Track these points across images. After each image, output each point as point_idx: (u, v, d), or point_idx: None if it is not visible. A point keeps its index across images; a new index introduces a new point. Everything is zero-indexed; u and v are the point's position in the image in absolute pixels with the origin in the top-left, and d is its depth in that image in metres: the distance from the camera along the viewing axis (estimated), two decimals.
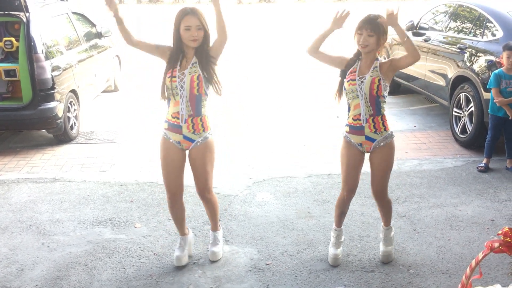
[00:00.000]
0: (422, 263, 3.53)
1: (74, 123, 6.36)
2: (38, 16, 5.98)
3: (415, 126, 6.66)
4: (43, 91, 5.70)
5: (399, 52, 7.73)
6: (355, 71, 3.27)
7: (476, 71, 5.59)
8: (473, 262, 1.73)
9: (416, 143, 6.02)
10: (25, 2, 5.70)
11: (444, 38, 6.56)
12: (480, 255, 1.70)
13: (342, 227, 3.59)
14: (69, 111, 6.19)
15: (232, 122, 7.04)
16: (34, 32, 5.71)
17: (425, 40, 6.89)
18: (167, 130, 3.28)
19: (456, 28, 6.56)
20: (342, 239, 3.61)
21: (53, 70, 5.81)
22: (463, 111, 5.80)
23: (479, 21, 6.03)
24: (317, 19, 19.98)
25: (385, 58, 3.31)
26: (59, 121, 5.86)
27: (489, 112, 5.16)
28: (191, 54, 3.21)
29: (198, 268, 3.51)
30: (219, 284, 3.32)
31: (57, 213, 4.34)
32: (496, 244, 1.70)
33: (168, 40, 3.32)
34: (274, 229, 4.04)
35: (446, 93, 6.24)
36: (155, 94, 4.28)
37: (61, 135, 6.10)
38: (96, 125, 6.87)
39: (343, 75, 3.34)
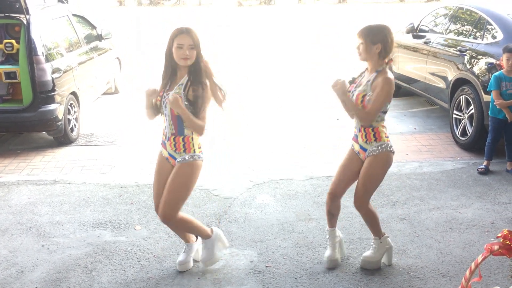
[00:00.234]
0: (422, 266, 3.52)
1: (75, 125, 6.36)
2: (39, 18, 5.99)
3: (415, 128, 6.66)
4: (44, 93, 5.71)
5: (399, 55, 7.74)
6: (355, 83, 3.33)
7: (476, 73, 5.59)
8: (473, 265, 1.73)
9: (416, 145, 6.02)
10: (25, 4, 5.70)
11: (444, 40, 6.57)
12: (480, 258, 1.70)
13: (333, 228, 3.53)
14: (69, 113, 6.20)
15: (232, 122, 7.05)
16: (34, 34, 5.72)
17: (425, 43, 6.90)
18: (160, 145, 3.33)
19: (456, 31, 6.57)
20: (336, 241, 3.56)
21: (53, 72, 5.82)
22: (463, 114, 5.80)
23: (479, 24, 6.04)
24: (317, 20, 20.01)
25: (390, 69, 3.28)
26: (59, 123, 5.86)
27: (489, 114, 5.16)
28: (183, 74, 3.19)
29: (198, 270, 3.51)
30: (219, 287, 3.32)
31: (57, 215, 4.34)
32: (496, 247, 1.70)
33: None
34: (274, 231, 4.04)
35: (446, 96, 6.24)
36: None
37: (61, 137, 6.10)
38: (96, 127, 6.87)
39: (351, 81, 3.38)
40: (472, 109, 5.59)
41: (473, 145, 5.64)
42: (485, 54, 5.58)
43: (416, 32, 7.36)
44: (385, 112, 3.28)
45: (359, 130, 3.32)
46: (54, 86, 5.79)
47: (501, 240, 1.68)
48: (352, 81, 3.36)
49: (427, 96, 7.02)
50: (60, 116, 5.87)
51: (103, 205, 4.52)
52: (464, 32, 6.37)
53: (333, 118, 7.02)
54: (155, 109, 3.25)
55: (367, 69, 3.33)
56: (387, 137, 3.32)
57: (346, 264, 3.56)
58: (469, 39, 6.05)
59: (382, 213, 4.30)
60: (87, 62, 7.00)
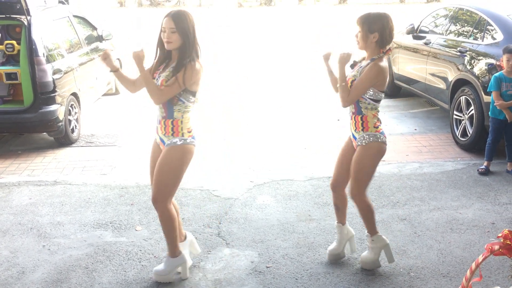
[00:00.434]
0: (422, 266, 3.53)
1: (75, 126, 6.37)
2: (39, 20, 6.00)
3: (415, 129, 6.66)
4: (44, 94, 5.71)
5: (399, 56, 7.74)
6: (355, 66, 3.35)
7: (476, 74, 5.59)
8: (473, 265, 1.73)
9: (416, 146, 6.03)
10: (26, 5, 5.71)
11: (444, 41, 6.57)
12: (480, 258, 1.70)
13: (340, 223, 3.54)
14: (70, 114, 6.20)
15: (232, 122, 7.06)
16: (35, 35, 5.73)
17: (426, 44, 6.90)
18: (154, 130, 3.34)
19: (456, 32, 6.57)
20: (343, 237, 3.56)
21: (54, 73, 5.82)
22: (463, 114, 5.80)
23: (479, 25, 6.04)
24: (317, 21, 20.01)
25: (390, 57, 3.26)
26: (60, 124, 5.87)
27: (490, 115, 5.16)
28: (175, 57, 3.17)
29: (199, 271, 3.52)
30: (220, 287, 3.32)
31: (58, 216, 4.35)
32: (496, 247, 1.71)
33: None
34: (274, 232, 4.04)
35: (447, 96, 6.24)
36: None
37: (62, 138, 6.11)
38: (97, 128, 6.88)
39: (352, 65, 3.39)
40: (472, 109, 5.59)
41: (473, 146, 5.64)
42: (485, 55, 5.59)
43: (416, 33, 7.37)
44: (377, 101, 3.23)
45: (350, 117, 3.33)
46: (55, 87, 5.79)
47: (502, 240, 1.68)
48: (353, 65, 3.36)
49: (427, 97, 7.03)
50: (61, 117, 5.88)
51: (103, 206, 4.52)
52: (464, 33, 6.38)
53: (334, 118, 7.02)
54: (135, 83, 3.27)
55: (364, 57, 3.32)
56: (377, 127, 3.27)
57: (347, 264, 3.56)
58: (469, 40, 6.06)
59: (383, 213, 4.30)
60: (88, 63, 7.00)
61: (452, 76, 6.09)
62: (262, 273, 3.48)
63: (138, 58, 3.08)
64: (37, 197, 4.72)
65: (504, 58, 4.97)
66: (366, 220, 3.42)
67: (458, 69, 5.95)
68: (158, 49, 3.22)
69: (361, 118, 3.25)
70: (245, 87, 9.24)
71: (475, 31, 6.08)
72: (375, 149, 3.26)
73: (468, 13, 6.46)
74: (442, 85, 6.40)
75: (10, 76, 5.83)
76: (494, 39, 5.66)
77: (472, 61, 5.76)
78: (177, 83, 3.07)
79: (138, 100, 8.48)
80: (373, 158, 3.28)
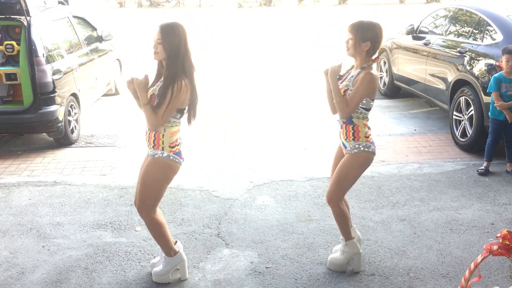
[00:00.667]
0: (422, 267, 3.53)
1: (75, 126, 6.37)
2: (39, 20, 6.01)
3: (415, 130, 6.66)
4: (44, 94, 5.72)
5: (399, 56, 7.75)
6: (342, 78, 3.34)
7: (476, 74, 5.60)
8: (472, 265, 1.74)
9: (416, 146, 6.03)
10: (26, 6, 5.72)
11: (444, 42, 6.58)
12: (479, 258, 1.70)
13: (352, 226, 3.52)
14: (69, 114, 6.20)
15: (232, 123, 7.06)
16: (35, 35, 5.73)
17: (425, 44, 6.91)
18: None
19: (456, 32, 6.58)
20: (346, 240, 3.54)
21: (54, 74, 5.83)
22: (463, 115, 5.81)
23: (478, 25, 6.05)
24: (317, 22, 20.02)
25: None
26: (59, 124, 5.87)
27: (489, 116, 5.16)
28: (164, 72, 3.16)
29: (198, 271, 3.52)
30: None
31: (57, 217, 4.35)
32: (495, 247, 1.71)
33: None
34: (274, 232, 4.04)
35: (446, 97, 6.25)
36: None
37: (62, 139, 6.11)
38: (97, 129, 6.88)
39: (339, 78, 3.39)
40: (472, 110, 5.60)
41: (473, 146, 5.65)
42: (484, 55, 5.59)
43: (416, 33, 7.37)
44: (367, 110, 3.23)
45: (341, 127, 3.33)
46: (54, 87, 5.80)
47: (501, 240, 1.69)
48: (339, 78, 3.35)
49: (427, 97, 7.03)
50: (61, 117, 5.88)
51: (103, 206, 4.52)
52: (464, 33, 6.38)
53: (333, 118, 7.00)
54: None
55: (353, 66, 3.32)
56: (368, 137, 3.26)
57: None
58: (469, 41, 6.06)
59: (382, 214, 4.31)
60: (88, 64, 7.01)
61: (451, 76, 6.09)
62: (261, 274, 3.48)
63: (141, 85, 3.06)
64: (36, 198, 4.72)
65: (504, 58, 4.97)
66: (340, 226, 3.41)
67: (458, 69, 5.95)
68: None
69: (353, 128, 3.25)
70: (245, 88, 9.25)
71: (474, 31, 6.09)
72: (364, 159, 3.27)
73: (468, 14, 6.47)
74: (441, 85, 6.40)
75: (9, 76, 5.83)
76: (494, 39, 5.66)
77: (472, 62, 5.76)
78: (168, 107, 3.03)
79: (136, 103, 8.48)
80: (360, 167, 3.29)
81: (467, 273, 1.74)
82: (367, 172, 5.16)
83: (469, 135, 5.67)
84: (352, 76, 3.24)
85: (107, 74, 8.10)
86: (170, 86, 3.03)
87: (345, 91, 3.21)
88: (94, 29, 7.89)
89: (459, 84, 5.92)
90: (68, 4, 7.68)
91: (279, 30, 17.99)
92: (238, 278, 3.43)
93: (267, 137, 6.45)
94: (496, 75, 5.03)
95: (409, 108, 7.74)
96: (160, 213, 3.38)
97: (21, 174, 5.37)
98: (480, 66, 5.61)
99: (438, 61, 6.51)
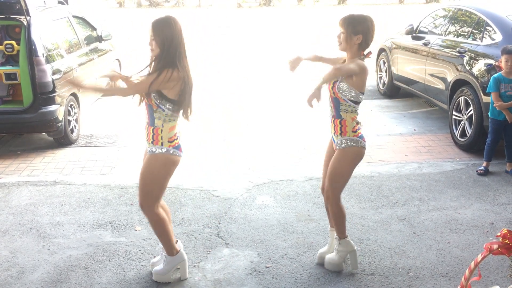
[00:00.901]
0: (421, 266, 3.53)
1: (75, 126, 6.37)
2: (39, 20, 6.01)
3: (414, 130, 6.67)
4: (44, 94, 5.72)
5: (398, 56, 7.75)
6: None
7: (475, 74, 5.60)
8: (472, 264, 1.74)
9: (416, 146, 6.03)
10: (26, 5, 5.71)
11: (443, 42, 6.58)
12: (479, 257, 1.71)
13: (333, 227, 3.52)
14: (69, 114, 6.20)
15: (232, 123, 7.06)
16: (34, 35, 5.73)
17: (425, 44, 6.91)
18: None
19: (455, 32, 6.59)
20: (330, 240, 3.57)
21: (53, 74, 5.83)
22: (462, 115, 5.81)
23: (478, 25, 6.05)
24: (317, 21, 20.02)
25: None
26: (59, 124, 5.87)
27: (489, 116, 5.16)
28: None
29: (198, 271, 3.52)
30: (219, 287, 3.33)
31: (57, 216, 4.35)
32: (495, 246, 1.71)
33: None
34: (274, 232, 4.05)
35: (446, 97, 6.25)
36: None
37: (62, 138, 6.11)
38: (97, 128, 6.88)
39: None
40: (471, 110, 5.60)
41: (472, 146, 5.65)
42: (484, 56, 5.60)
43: (415, 33, 7.38)
44: (356, 103, 3.21)
45: (330, 121, 3.33)
46: (54, 87, 5.79)
47: (500, 239, 1.69)
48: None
49: (426, 97, 7.04)
50: (60, 117, 5.88)
51: (103, 206, 4.53)
52: (463, 33, 6.39)
53: None
54: None
55: (345, 59, 3.31)
56: (355, 131, 3.23)
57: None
58: (468, 41, 6.07)
59: (382, 213, 4.31)
60: (87, 64, 7.01)
61: (451, 76, 6.10)
62: (261, 273, 3.48)
63: (75, 81, 3.07)
64: (36, 197, 4.72)
65: (503, 59, 4.98)
66: (337, 223, 3.40)
67: (457, 69, 5.96)
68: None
69: (340, 122, 3.24)
70: (245, 88, 9.25)
71: (474, 31, 6.09)
72: (353, 154, 3.24)
73: (467, 14, 6.47)
74: (441, 85, 6.41)
75: (9, 76, 5.83)
76: (493, 39, 5.67)
77: (471, 62, 5.77)
78: (144, 82, 3.04)
79: (137, 100, 8.48)
80: (350, 162, 3.27)
81: (467, 272, 1.75)
82: (366, 172, 5.18)
83: (468, 135, 5.68)
84: None
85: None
86: (157, 72, 3.02)
87: (334, 82, 3.20)
88: (93, 29, 7.89)
89: (459, 84, 5.93)
90: (67, 4, 7.68)
91: (278, 30, 17.99)
92: (238, 278, 3.43)
93: (267, 137, 6.46)
94: (495, 75, 5.03)
95: (408, 108, 7.74)
96: (166, 209, 3.39)
97: (21, 173, 5.37)
98: (479, 66, 5.61)
99: (437, 61, 6.51)
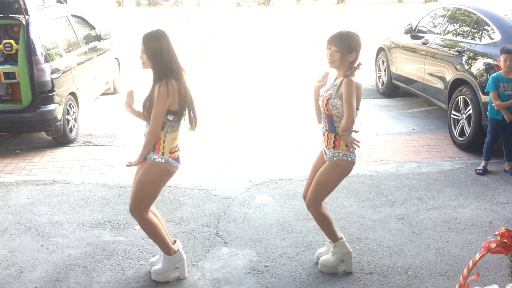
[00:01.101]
0: (420, 265, 3.54)
1: (73, 125, 6.37)
2: (38, 19, 6.00)
3: (413, 129, 6.67)
4: (43, 93, 5.71)
5: (397, 55, 7.76)
6: (327, 87, 3.35)
7: (474, 74, 5.61)
8: (471, 263, 1.74)
9: (414, 145, 6.04)
10: (24, 4, 5.71)
11: (442, 41, 6.59)
12: (478, 256, 1.71)
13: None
14: (68, 113, 6.20)
15: (231, 123, 7.06)
16: (33, 34, 5.73)
17: (424, 43, 6.91)
18: None
19: (454, 31, 6.59)
20: (327, 241, 3.58)
21: (52, 73, 5.82)
22: (461, 114, 5.82)
23: (477, 24, 6.06)
24: (316, 22, 20.03)
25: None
26: (58, 123, 5.87)
27: (488, 115, 5.17)
28: None
29: (197, 270, 3.52)
30: (218, 286, 3.33)
31: (56, 215, 4.35)
32: (493, 245, 1.72)
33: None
34: (273, 231, 4.05)
35: (445, 96, 6.26)
36: None
37: (60, 138, 6.10)
38: (95, 128, 6.88)
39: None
40: (470, 109, 5.61)
41: (471, 145, 5.66)
42: (483, 55, 5.60)
43: (414, 32, 7.38)
44: None
45: (323, 134, 3.34)
46: (53, 86, 5.79)
47: (499, 238, 1.69)
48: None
49: (425, 97, 7.04)
50: (59, 116, 5.88)
51: (102, 205, 4.53)
52: (462, 32, 6.39)
53: None
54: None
55: (336, 77, 3.31)
56: (348, 146, 3.24)
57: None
58: (467, 40, 6.07)
59: (381, 213, 4.32)
60: (86, 63, 7.01)
61: (450, 76, 6.10)
62: (260, 272, 3.48)
63: (129, 109, 3.40)
64: (35, 197, 4.72)
65: (502, 58, 4.98)
66: (324, 229, 3.43)
67: (456, 69, 5.97)
68: None
69: (334, 136, 3.25)
70: (245, 88, 9.25)
71: (473, 31, 6.10)
72: (343, 168, 3.27)
73: (466, 13, 6.48)
74: (440, 84, 6.41)
75: (8, 75, 5.83)
76: (492, 39, 5.68)
77: (470, 61, 5.77)
78: (160, 113, 3.10)
79: (136, 100, 8.47)
80: (338, 176, 3.30)
81: (465, 271, 1.75)
82: (365, 171, 5.18)
83: (467, 134, 5.69)
84: (335, 85, 3.23)
85: (106, 73, 8.09)
86: (157, 89, 3.08)
87: (328, 99, 3.21)
88: (92, 28, 7.89)
89: (457, 83, 5.93)
90: (66, 3, 7.67)
91: (278, 30, 17.99)
92: (237, 277, 3.43)
93: (266, 136, 6.46)
94: (494, 74, 5.04)
95: (407, 107, 7.75)
96: (154, 212, 3.40)
97: (20, 173, 5.36)
98: (478, 66, 5.62)
99: (436, 61, 6.52)
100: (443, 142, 6.13)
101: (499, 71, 5.04)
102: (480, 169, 5.13)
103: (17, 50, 5.88)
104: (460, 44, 6.10)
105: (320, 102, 3.31)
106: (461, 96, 5.79)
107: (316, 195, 3.32)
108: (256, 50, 13.87)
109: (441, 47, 6.50)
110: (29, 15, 5.79)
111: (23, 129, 5.97)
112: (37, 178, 5.15)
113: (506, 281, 3.23)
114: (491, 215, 4.26)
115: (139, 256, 3.71)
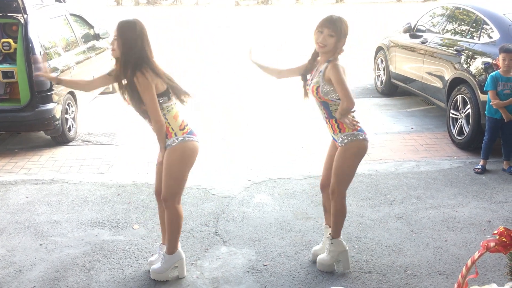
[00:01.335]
0: (419, 264, 3.54)
1: (72, 124, 6.36)
2: (36, 18, 5.99)
3: (412, 128, 6.68)
4: (41, 92, 5.70)
5: (396, 54, 7.76)
6: (311, 74, 3.31)
7: (472, 73, 5.61)
8: (469, 262, 1.74)
9: (413, 144, 6.04)
10: (23, 3, 5.70)
11: (441, 40, 6.59)
12: (476, 255, 1.71)
13: (329, 225, 3.51)
14: (67, 112, 6.19)
15: (231, 122, 7.06)
16: (32, 33, 5.72)
17: (422, 42, 6.92)
18: None
19: (453, 30, 6.59)
20: (324, 238, 3.56)
21: (51, 72, 5.81)
22: (460, 113, 5.82)
23: (475, 23, 6.06)
24: (315, 21, 20.04)
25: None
26: (57, 122, 5.86)
27: (486, 114, 5.17)
28: None
29: (196, 269, 3.52)
30: (217, 285, 3.33)
31: (55, 215, 4.34)
32: (492, 244, 1.71)
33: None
34: (271, 230, 4.05)
35: (443, 95, 6.26)
36: None
37: (59, 137, 6.10)
38: (94, 127, 6.87)
39: (304, 79, 3.39)
40: (468, 108, 5.61)
41: (469, 144, 5.66)
42: (481, 54, 5.61)
43: (413, 31, 7.38)
44: None
45: (325, 122, 3.32)
46: (51, 85, 5.78)
47: (497, 237, 1.69)
48: (305, 79, 3.38)
49: (424, 96, 7.04)
50: (58, 115, 5.87)
51: (101, 204, 4.52)
52: (461, 31, 6.39)
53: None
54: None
55: (317, 60, 3.28)
56: (354, 125, 3.20)
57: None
58: (466, 39, 6.07)
59: (380, 212, 4.32)
60: (85, 62, 7.00)
61: (448, 74, 6.11)
62: (259, 271, 3.48)
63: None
64: (34, 196, 4.72)
65: (500, 57, 4.99)
66: (336, 222, 3.39)
67: (455, 68, 5.97)
68: None
69: (335, 121, 3.22)
70: (245, 88, 9.24)
71: (471, 30, 6.10)
72: (356, 148, 3.23)
73: (465, 12, 6.48)
74: (438, 83, 6.41)
75: (6, 74, 5.81)
76: (491, 38, 5.68)
77: (469, 60, 5.78)
78: (153, 107, 3.10)
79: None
80: (353, 157, 3.25)
81: (464, 269, 1.75)
82: (364, 170, 5.18)
83: (466, 133, 5.69)
84: (321, 71, 3.18)
85: (105, 72, 8.07)
86: (137, 83, 3.06)
87: (317, 87, 3.18)
88: (91, 27, 7.87)
89: (456, 82, 5.93)
90: (65, 2, 7.66)
91: (277, 29, 17.99)
92: (236, 276, 3.43)
93: (266, 136, 6.46)
94: (493, 73, 5.04)
95: (406, 106, 7.75)
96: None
97: (18, 172, 5.36)
98: (477, 65, 5.62)
99: (435, 60, 6.52)
100: (441, 141, 6.13)
101: (498, 70, 5.04)
102: (478, 168, 5.13)
103: (15, 49, 5.87)
104: (459, 43, 6.10)
105: (309, 93, 3.28)
106: (460, 95, 5.79)
107: (338, 182, 3.27)
108: (256, 50, 13.86)
109: (440, 46, 6.50)
110: (27, 14, 5.78)
111: (22, 128, 5.96)
112: (35, 177, 5.14)
113: (504, 280, 3.23)
114: (489, 214, 4.27)
115: (138, 255, 3.70)
